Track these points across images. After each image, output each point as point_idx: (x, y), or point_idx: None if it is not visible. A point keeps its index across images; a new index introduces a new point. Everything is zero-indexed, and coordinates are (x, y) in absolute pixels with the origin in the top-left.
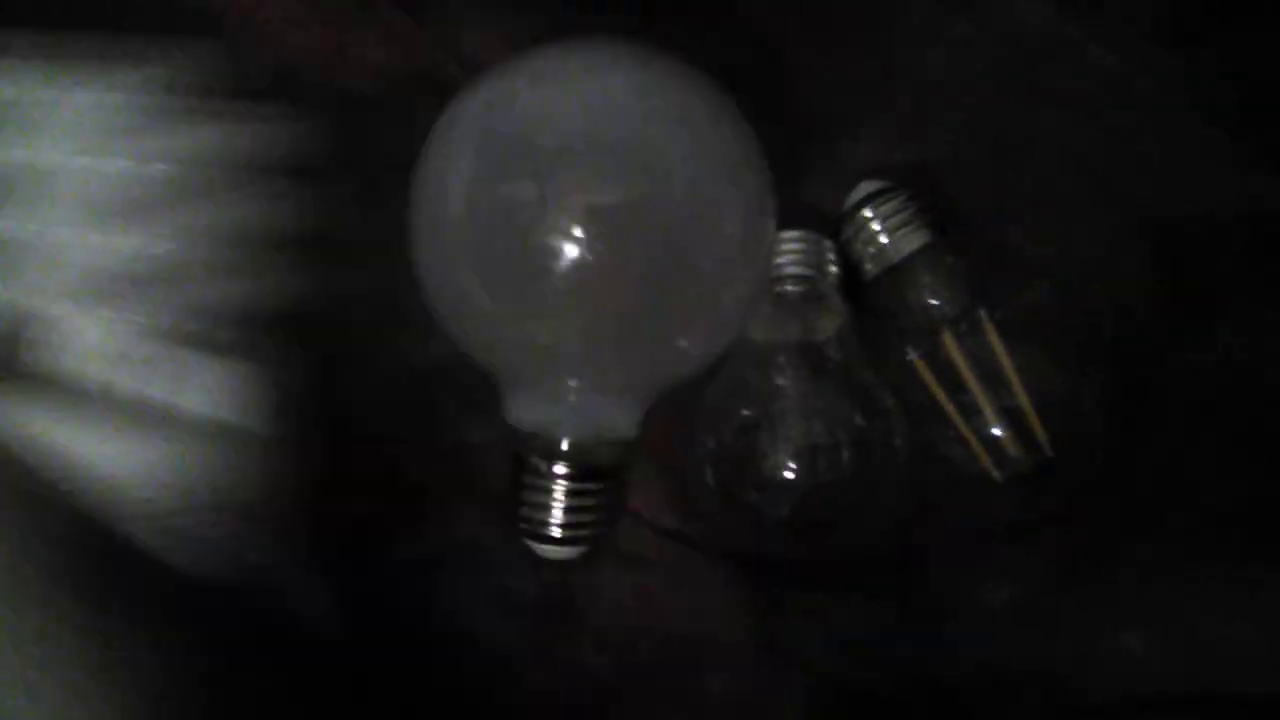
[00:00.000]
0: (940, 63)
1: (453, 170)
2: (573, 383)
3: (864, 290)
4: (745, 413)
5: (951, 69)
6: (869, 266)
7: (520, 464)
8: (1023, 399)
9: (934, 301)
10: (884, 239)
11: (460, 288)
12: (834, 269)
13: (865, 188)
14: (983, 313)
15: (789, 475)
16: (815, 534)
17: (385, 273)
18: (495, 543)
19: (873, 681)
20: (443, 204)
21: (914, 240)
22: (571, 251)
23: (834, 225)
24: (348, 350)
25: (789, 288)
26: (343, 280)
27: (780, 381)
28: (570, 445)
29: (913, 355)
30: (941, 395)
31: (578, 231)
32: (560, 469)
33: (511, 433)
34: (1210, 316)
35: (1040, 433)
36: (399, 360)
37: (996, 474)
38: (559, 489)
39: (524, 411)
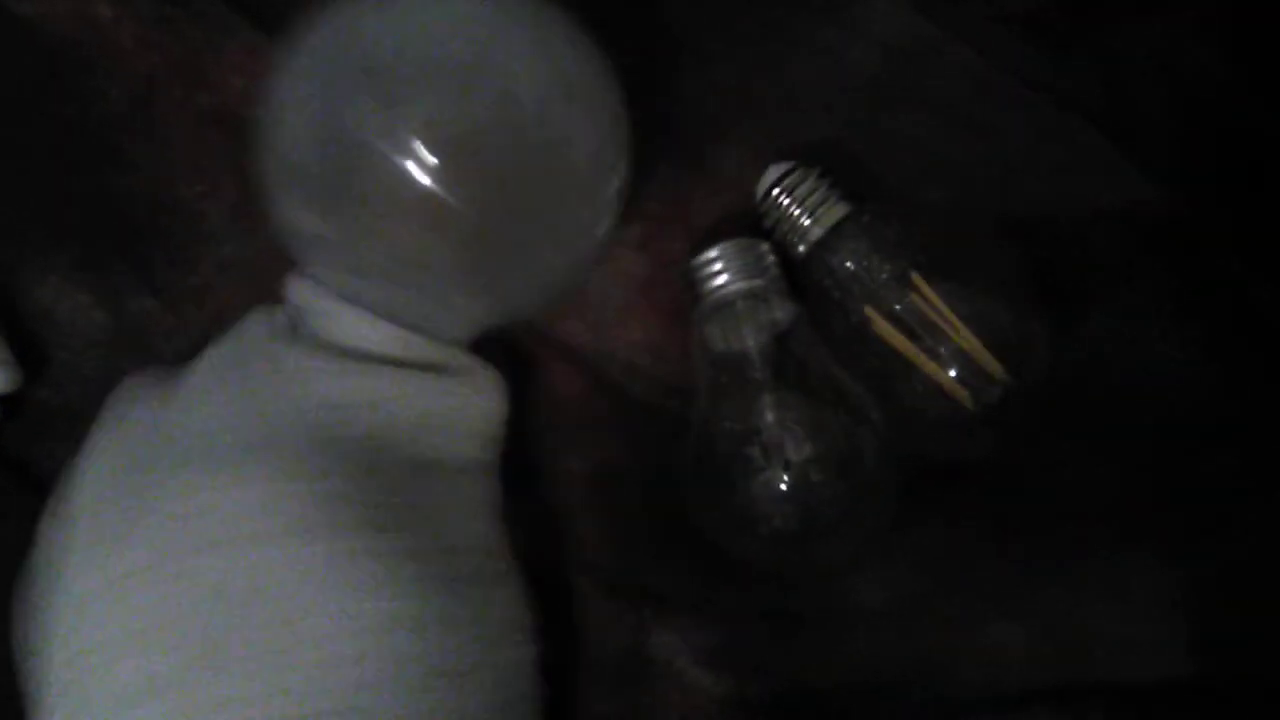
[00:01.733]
0: (809, 69)
1: (297, 98)
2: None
3: (800, 268)
4: (731, 425)
5: (820, 75)
6: (800, 246)
7: None
8: (971, 339)
9: (866, 264)
10: (805, 219)
11: (300, 215)
12: (774, 269)
13: (774, 171)
14: (912, 271)
15: (782, 487)
16: (809, 543)
17: None
18: None
19: (747, 691)
20: (286, 132)
21: (835, 212)
22: (419, 176)
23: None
24: None
25: (741, 301)
26: None
27: (761, 393)
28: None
29: (868, 311)
30: (902, 342)
31: (425, 156)
32: None
33: None
34: (1079, 314)
35: (995, 364)
36: None
37: (972, 405)
38: None
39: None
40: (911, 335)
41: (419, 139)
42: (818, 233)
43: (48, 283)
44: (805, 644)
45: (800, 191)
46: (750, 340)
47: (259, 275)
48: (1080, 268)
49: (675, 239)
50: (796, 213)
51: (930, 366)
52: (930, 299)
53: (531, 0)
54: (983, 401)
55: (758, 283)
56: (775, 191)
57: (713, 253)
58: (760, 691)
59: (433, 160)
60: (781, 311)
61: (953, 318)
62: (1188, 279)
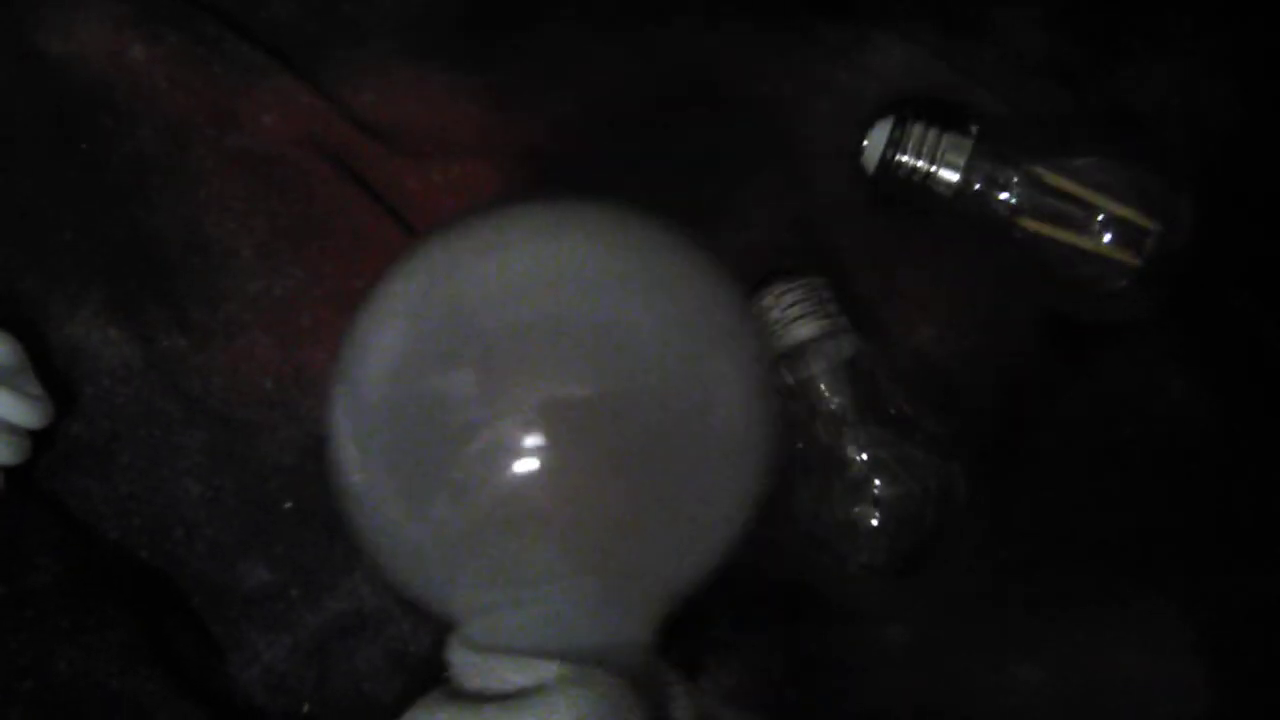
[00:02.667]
0: (826, 110)
1: (378, 357)
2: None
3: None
4: (814, 461)
5: (837, 117)
6: (944, 190)
7: None
8: (1111, 202)
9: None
10: (934, 167)
11: (381, 504)
12: (835, 304)
13: (880, 130)
14: (1036, 168)
15: (873, 522)
16: (898, 576)
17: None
18: (389, 606)
19: None
20: (364, 398)
21: (958, 150)
22: (523, 459)
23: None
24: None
25: (810, 343)
26: None
27: (842, 427)
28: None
29: (1020, 222)
30: (1055, 232)
31: (531, 435)
32: None
33: None
34: (1095, 356)
35: (1141, 216)
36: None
37: (1135, 260)
38: None
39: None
40: (1063, 224)
41: (531, 418)
42: (954, 175)
43: (78, 318)
44: (826, 684)
45: (916, 145)
46: (822, 376)
47: (287, 311)
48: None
49: None
50: (923, 166)
51: (1088, 242)
52: (1064, 186)
53: (648, 229)
54: (1143, 255)
55: (825, 323)
56: (899, 157)
57: (773, 297)
58: None
59: (547, 444)
60: (848, 346)
61: (1088, 192)
62: (1201, 318)
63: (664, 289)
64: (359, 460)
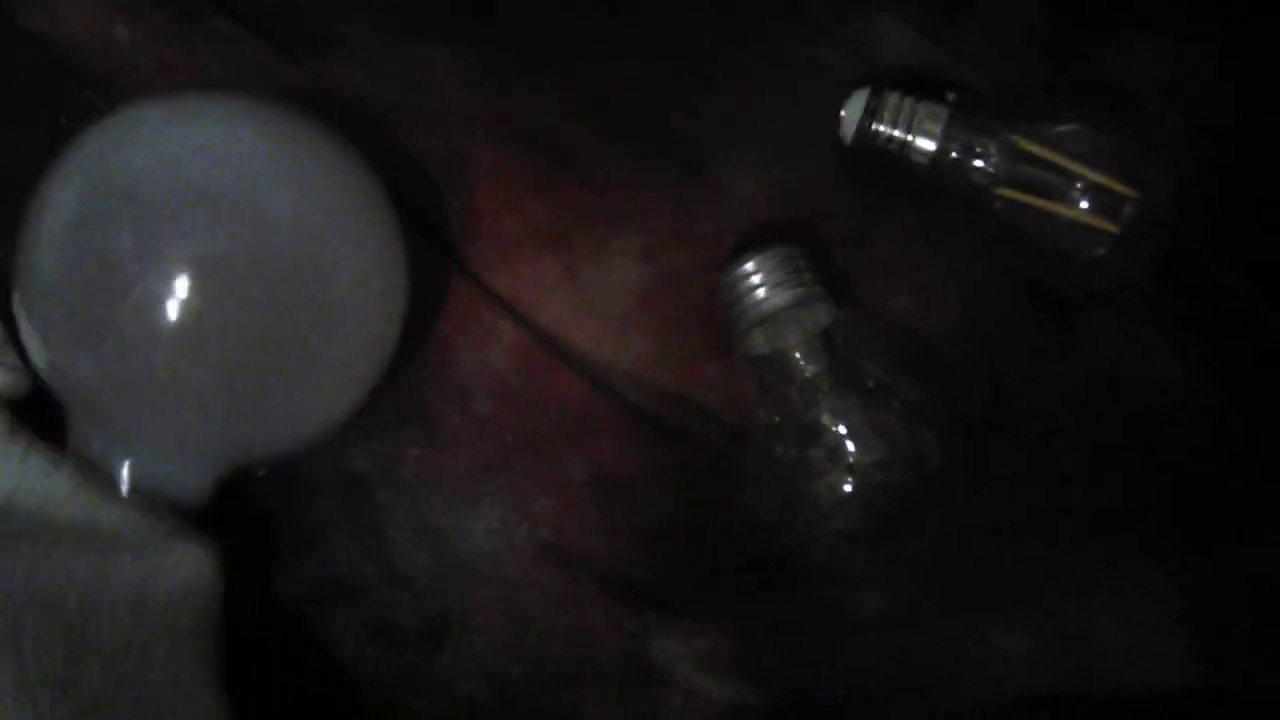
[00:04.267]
0: (810, 86)
1: (52, 215)
2: (154, 430)
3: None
4: (788, 428)
5: (820, 92)
6: (920, 159)
7: None
8: (1089, 170)
9: (978, 151)
10: (909, 135)
11: (50, 331)
12: (810, 273)
13: (858, 99)
14: (1014, 137)
15: (847, 489)
16: (874, 544)
17: None
18: (373, 574)
19: (749, 698)
20: (43, 258)
21: (934, 119)
22: (173, 304)
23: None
24: None
25: (783, 311)
26: None
27: (817, 395)
28: (128, 493)
29: (1000, 192)
30: (1034, 201)
31: (180, 284)
32: None
33: None
34: (1084, 328)
35: (1118, 184)
36: None
37: (1114, 227)
38: None
39: (89, 443)
40: (1041, 192)
41: (174, 267)
42: (931, 144)
43: None
44: (807, 651)
45: (892, 114)
46: (797, 343)
47: None
48: (1086, 283)
49: (677, 250)
50: (900, 135)
51: (1066, 210)
52: (1042, 154)
53: (294, 124)
54: (1124, 222)
55: (799, 291)
56: (875, 126)
57: (749, 265)
58: (762, 699)
59: (187, 287)
60: (824, 314)
61: (1066, 160)
62: (1185, 289)
63: (299, 171)
64: (40, 307)
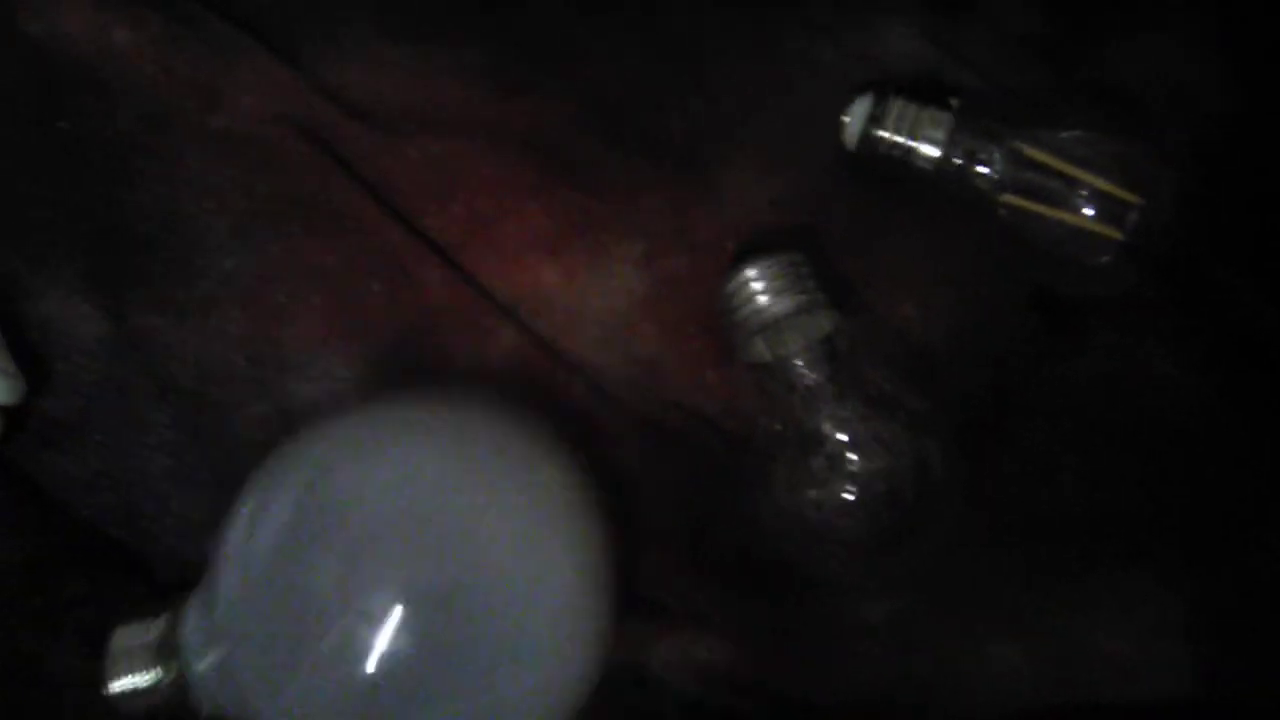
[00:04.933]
0: (810, 89)
1: (259, 534)
2: None
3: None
4: (790, 437)
5: (821, 95)
6: (924, 165)
7: None
8: (1094, 177)
9: (983, 157)
10: (913, 142)
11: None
12: (812, 279)
13: (861, 105)
14: (1017, 143)
15: (849, 498)
16: (875, 554)
17: None
18: None
19: (745, 707)
20: (236, 582)
21: (937, 125)
22: (376, 641)
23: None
24: None
25: (785, 319)
26: None
27: (818, 403)
28: None
29: (1004, 199)
30: (1038, 208)
31: (385, 618)
32: None
33: None
34: (1080, 330)
35: (1123, 192)
36: None
37: (1119, 235)
38: None
39: None
40: (1045, 199)
41: (383, 603)
42: (935, 150)
43: (52, 295)
44: (805, 660)
45: (895, 120)
46: (799, 351)
47: (263, 288)
48: (1090, 290)
49: (677, 256)
50: (904, 141)
51: (1071, 217)
52: (1046, 161)
53: (504, 436)
54: (1126, 229)
55: (801, 299)
56: (878, 132)
57: (751, 272)
58: (759, 708)
59: (395, 624)
60: (826, 322)
61: (1070, 167)
62: (1188, 295)
63: (507, 495)
64: (227, 631)
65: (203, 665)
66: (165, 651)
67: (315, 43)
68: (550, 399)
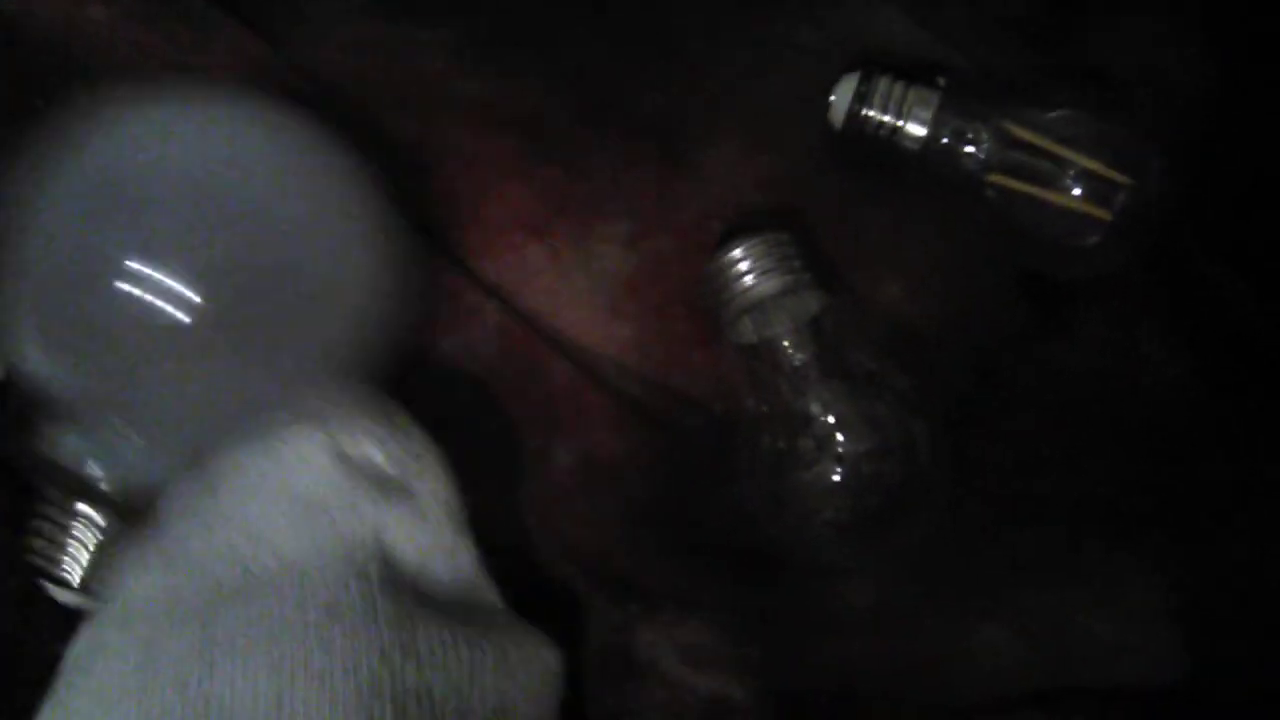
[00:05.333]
0: (793, 69)
1: (48, 210)
2: (137, 437)
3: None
4: (777, 417)
5: (804, 75)
6: (910, 145)
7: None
8: (1082, 157)
9: (969, 136)
10: (899, 120)
11: (28, 335)
12: (799, 260)
13: (847, 83)
14: (1005, 123)
15: (836, 479)
16: (863, 535)
17: None
18: None
19: (733, 691)
20: (31, 244)
21: (925, 103)
22: (167, 303)
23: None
24: None
25: (771, 299)
26: None
27: (805, 384)
28: (116, 491)
29: (991, 179)
30: (1027, 188)
31: (176, 283)
32: (99, 514)
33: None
34: (1070, 321)
35: (1111, 171)
36: None
37: (1107, 215)
38: (93, 535)
39: (69, 448)
40: (1033, 179)
41: (172, 267)
42: (922, 129)
43: None
44: (792, 644)
45: (882, 99)
46: (786, 332)
47: None
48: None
49: (662, 236)
50: (890, 120)
51: (1058, 197)
52: (1034, 140)
53: (281, 115)
54: (1114, 209)
55: (788, 279)
56: (865, 111)
57: (737, 252)
58: (746, 692)
59: (182, 285)
60: (813, 302)
61: (1058, 146)
62: (1177, 286)
63: (286, 160)
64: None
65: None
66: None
67: (291, 19)
68: (534, 379)
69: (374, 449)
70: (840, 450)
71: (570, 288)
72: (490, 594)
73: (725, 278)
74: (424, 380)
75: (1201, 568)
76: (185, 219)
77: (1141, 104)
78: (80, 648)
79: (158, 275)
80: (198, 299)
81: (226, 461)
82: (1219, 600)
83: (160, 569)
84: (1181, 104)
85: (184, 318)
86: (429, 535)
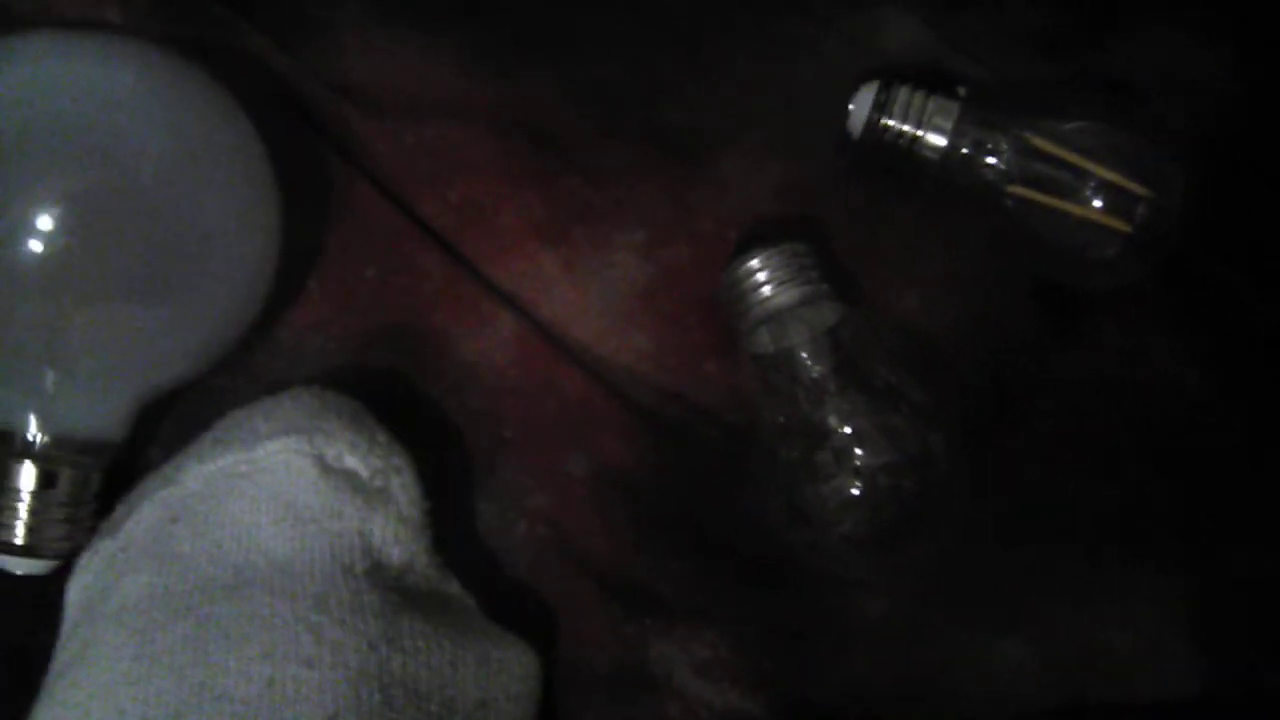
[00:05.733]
0: (811, 78)
1: None
2: (48, 375)
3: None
4: (793, 429)
5: (822, 84)
6: (931, 155)
7: None
8: (1103, 169)
9: (991, 146)
10: (921, 131)
11: None
12: (817, 270)
13: (865, 94)
14: (1025, 134)
15: (855, 493)
16: (881, 548)
17: None
18: None
19: (747, 704)
20: None
21: (945, 112)
22: (38, 239)
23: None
24: None
25: (788, 311)
26: None
27: (824, 396)
28: (42, 444)
29: (1011, 190)
30: (1048, 200)
31: (44, 218)
32: (29, 471)
33: None
34: (1084, 328)
35: (1133, 183)
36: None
37: (1128, 227)
38: (27, 493)
39: None
40: (1053, 190)
41: (38, 200)
42: (941, 139)
43: None
44: (806, 657)
45: (902, 108)
46: (803, 344)
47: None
48: (1095, 283)
49: (678, 245)
50: (910, 129)
51: (1078, 209)
52: (1054, 151)
53: (167, 64)
54: (1135, 222)
55: (806, 289)
56: (884, 121)
57: (754, 263)
58: (760, 705)
59: (52, 221)
60: (831, 313)
61: (1078, 158)
62: (1190, 291)
63: (161, 107)
64: None
65: None
66: None
67: (310, 27)
68: (549, 389)
69: (355, 459)
70: (858, 464)
71: (585, 297)
72: (468, 599)
73: (742, 288)
74: (439, 387)
75: (1219, 580)
76: (45, 152)
77: (1161, 115)
78: (74, 644)
79: (16, 208)
80: (63, 234)
81: (212, 468)
82: (1236, 612)
83: (151, 570)
84: (1202, 113)
85: (50, 253)
86: (410, 538)
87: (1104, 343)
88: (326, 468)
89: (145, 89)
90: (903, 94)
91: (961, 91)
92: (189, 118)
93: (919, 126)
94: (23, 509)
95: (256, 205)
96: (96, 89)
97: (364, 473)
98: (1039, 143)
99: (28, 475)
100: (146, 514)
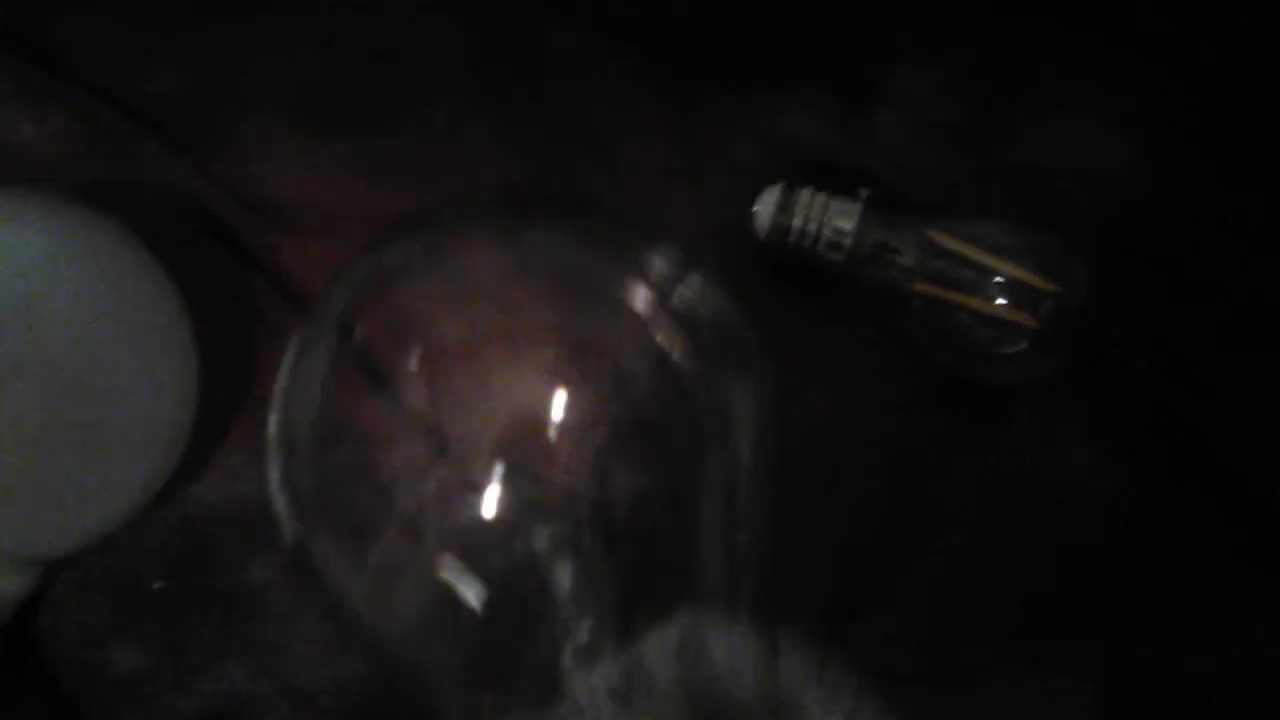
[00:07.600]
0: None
1: None
2: None
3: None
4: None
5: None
6: (835, 256)
7: None
8: (1007, 265)
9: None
10: (821, 230)
11: None
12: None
13: (769, 195)
14: (929, 232)
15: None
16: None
17: None
18: (268, 692)
19: None
20: None
21: (846, 214)
22: None
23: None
24: None
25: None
26: None
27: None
28: None
29: (916, 287)
30: (952, 296)
31: None
32: None
33: None
34: (995, 418)
35: (1037, 278)
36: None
37: (1033, 322)
38: None
39: None
40: (958, 287)
41: None
42: (844, 239)
43: None
44: None
45: (804, 210)
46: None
47: None
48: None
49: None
50: (813, 230)
51: (983, 305)
52: (958, 249)
53: (83, 226)
54: (1040, 316)
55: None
56: (788, 222)
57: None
58: None
59: None
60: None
61: (982, 255)
62: (1104, 383)
63: (77, 276)
64: None
65: None
66: None
67: (218, 136)
68: None
69: None
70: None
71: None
72: None
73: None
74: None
75: (1134, 678)
76: None
77: (1074, 206)
78: None
79: None
80: None
81: None
82: (1151, 713)
83: None
84: (1116, 204)
85: None
86: None
87: (1018, 438)
88: None
89: (55, 251)
90: (804, 196)
91: (864, 193)
92: (100, 279)
93: (821, 227)
94: None
95: (170, 366)
96: (5, 254)
97: None
98: (943, 240)
99: None
100: None
